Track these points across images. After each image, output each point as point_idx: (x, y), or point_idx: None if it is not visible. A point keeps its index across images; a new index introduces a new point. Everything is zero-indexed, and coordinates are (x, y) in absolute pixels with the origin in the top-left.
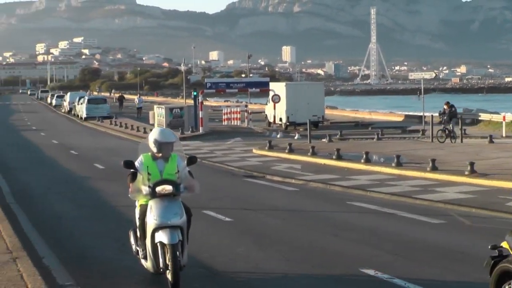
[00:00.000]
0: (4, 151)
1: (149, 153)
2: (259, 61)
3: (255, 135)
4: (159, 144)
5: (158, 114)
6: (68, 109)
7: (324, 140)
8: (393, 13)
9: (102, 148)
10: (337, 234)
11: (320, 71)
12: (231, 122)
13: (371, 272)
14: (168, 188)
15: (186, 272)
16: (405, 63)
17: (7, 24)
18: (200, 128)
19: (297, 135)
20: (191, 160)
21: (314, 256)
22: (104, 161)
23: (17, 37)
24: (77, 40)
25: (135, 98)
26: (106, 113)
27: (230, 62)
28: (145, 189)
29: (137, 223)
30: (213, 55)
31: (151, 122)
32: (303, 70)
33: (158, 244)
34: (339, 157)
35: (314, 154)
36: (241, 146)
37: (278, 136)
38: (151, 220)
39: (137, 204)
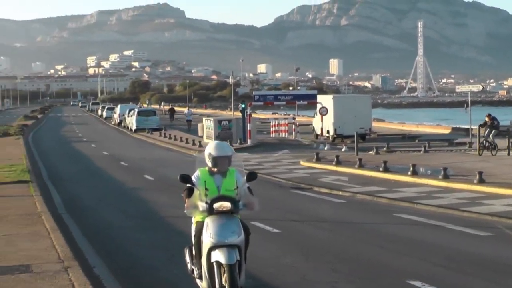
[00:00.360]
0: (56, 163)
1: (206, 168)
2: (307, 73)
3: (303, 147)
4: (214, 158)
5: (207, 126)
6: (118, 121)
7: (371, 152)
8: (440, 26)
9: (152, 159)
10: (384, 246)
11: (367, 84)
12: (279, 134)
13: (418, 284)
14: (226, 205)
15: None
16: (452, 76)
17: (59, 37)
18: (248, 140)
19: (344, 147)
20: (251, 176)
21: (361, 268)
22: (154, 172)
23: (68, 50)
24: (127, 53)
25: (184, 110)
26: (155, 125)
27: (278, 74)
28: (202, 205)
29: (193, 241)
30: (261, 68)
31: (199, 134)
32: (350, 82)
33: (214, 263)
34: (386, 169)
35: (361, 166)
36: (289, 158)
37: (326, 148)
38: (207, 239)
39: (193, 221)
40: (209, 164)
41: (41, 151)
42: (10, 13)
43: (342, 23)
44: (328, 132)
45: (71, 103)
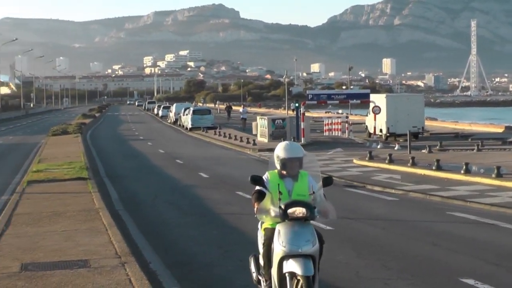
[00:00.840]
0: (113, 160)
1: (276, 170)
2: (360, 73)
3: (356, 146)
4: (283, 160)
5: (261, 125)
6: (174, 119)
7: (424, 151)
8: (493, 25)
9: (207, 157)
10: (437, 243)
11: (420, 83)
12: (332, 133)
13: (471, 281)
14: (302, 210)
15: None
16: (506, 75)
17: (116, 38)
18: (302, 138)
19: (397, 145)
20: (327, 181)
21: (414, 265)
22: (208, 170)
23: (125, 50)
24: (183, 53)
25: (240, 109)
26: (210, 124)
27: (331, 74)
28: (274, 210)
29: (261, 249)
30: (315, 67)
31: (254, 132)
32: (403, 82)
33: (286, 274)
34: (439, 168)
35: (414, 164)
36: (342, 157)
37: (378, 146)
38: (279, 247)
39: (260, 227)
40: (278, 166)
41: (98, 148)
42: (69, 14)
43: (395, 22)
44: (381, 130)
45: (128, 102)
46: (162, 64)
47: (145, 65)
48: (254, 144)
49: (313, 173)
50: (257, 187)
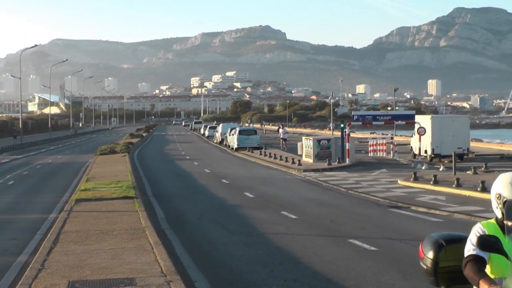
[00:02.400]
0: (159, 179)
1: (493, 220)
2: (405, 94)
3: (400, 167)
4: (509, 204)
5: (306, 145)
6: (220, 139)
7: (469, 172)
8: None
9: (252, 177)
10: None
11: (465, 104)
12: (376, 153)
13: None
14: None
15: None
16: None
17: (164, 59)
18: (347, 159)
19: (442, 167)
20: None
21: None
22: (254, 190)
23: (173, 71)
24: (230, 74)
25: (280, 130)
26: (256, 144)
27: (377, 95)
28: None
29: None
30: (360, 88)
31: (299, 153)
32: (448, 103)
33: None
34: (484, 189)
35: (459, 185)
36: (387, 177)
37: (423, 167)
38: None
39: None
40: (499, 213)
41: (145, 168)
42: (119, 36)
43: (441, 44)
44: (426, 151)
45: (173, 122)
46: (209, 84)
47: (192, 86)
48: (299, 164)
49: None
50: (473, 251)
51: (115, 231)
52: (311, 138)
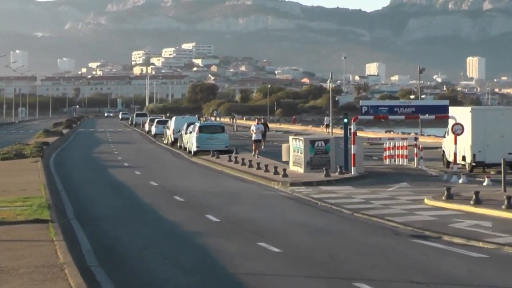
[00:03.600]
0: (86, 195)
1: None
2: (435, 77)
3: (428, 180)
4: None
5: (295, 149)
6: (173, 139)
7: None
8: None
9: (218, 193)
10: None
11: None
12: (394, 160)
13: None
14: None
15: None
16: None
17: (94, 25)
18: (352, 168)
19: (486, 180)
20: None
21: None
22: (220, 211)
23: (107, 42)
24: (187, 46)
25: (252, 125)
26: (223, 146)
27: (394, 78)
28: None
29: None
30: (371, 69)
31: (284, 159)
32: (496, 90)
33: None
34: None
35: (510, 207)
36: (408, 194)
37: (460, 181)
38: None
39: None
40: None
41: (66, 179)
42: None
43: (485, 7)
44: (464, 158)
45: (105, 114)
46: (157, 61)
47: (134, 63)
48: (285, 175)
49: None
50: None
51: (20, 269)
52: (302, 139)
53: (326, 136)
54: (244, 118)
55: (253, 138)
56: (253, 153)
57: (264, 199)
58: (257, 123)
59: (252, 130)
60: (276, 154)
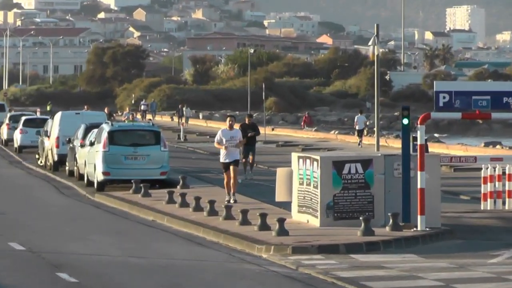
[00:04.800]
0: None
1: None
2: None
3: None
4: None
5: (303, 178)
6: (56, 157)
7: None
8: None
9: (146, 269)
10: None
11: None
12: (503, 203)
13: None
14: None
15: None
16: None
17: None
18: (418, 218)
19: None
20: None
21: None
22: None
23: None
24: None
25: (219, 131)
26: (158, 172)
27: (504, 36)
28: None
29: None
30: (458, 18)
31: (280, 198)
32: None
33: None
34: None
35: None
36: None
37: None
38: None
39: None
40: None
41: None
42: None
43: None
44: None
45: None
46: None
47: None
48: (282, 231)
49: None
50: None
51: None
52: (318, 159)
53: (365, 153)
54: (201, 116)
55: (221, 160)
56: (226, 196)
57: (240, 283)
58: (230, 126)
59: (219, 143)
60: (264, 189)
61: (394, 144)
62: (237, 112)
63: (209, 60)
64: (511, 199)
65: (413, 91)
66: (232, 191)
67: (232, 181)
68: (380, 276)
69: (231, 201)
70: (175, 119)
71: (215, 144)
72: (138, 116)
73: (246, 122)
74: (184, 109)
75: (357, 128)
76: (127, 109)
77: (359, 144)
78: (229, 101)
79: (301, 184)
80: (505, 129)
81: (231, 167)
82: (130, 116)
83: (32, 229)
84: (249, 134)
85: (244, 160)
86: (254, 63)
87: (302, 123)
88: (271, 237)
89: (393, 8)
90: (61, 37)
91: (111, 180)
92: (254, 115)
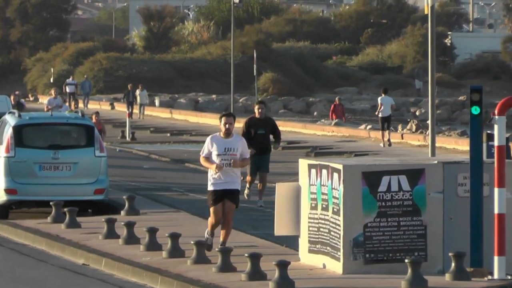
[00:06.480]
0: None
1: None
2: None
3: None
4: None
5: (316, 198)
6: None
7: None
8: None
9: None
10: None
11: None
12: None
13: None
14: None
15: None
16: None
17: None
18: (495, 260)
19: None
20: None
21: None
22: None
23: None
24: None
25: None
26: (91, 190)
27: None
28: None
29: None
30: None
31: (279, 231)
32: None
33: None
34: None
35: None
36: None
37: None
38: None
39: None
40: None
41: None
42: None
43: None
44: None
45: None
46: None
47: None
48: (284, 281)
49: None
50: None
51: None
52: (341, 168)
53: (413, 159)
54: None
55: (209, 187)
56: (206, 233)
57: None
58: (226, 132)
59: (206, 159)
60: (256, 215)
61: (459, 146)
62: (214, 96)
63: (170, 14)
64: None
65: (488, 63)
66: (221, 238)
67: (224, 227)
68: None
69: (212, 241)
70: (121, 107)
71: (201, 161)
72: (75, 108)
73: (256, 115)
74: (137, 92)
75: (380, 115)
76: (53, 92)
77: (389, 143)
78: (202, 78)
79: (313, 209)
80: None
81: (226, 203)
82: (72, 105)
83: None
84: (261, 139)
85: (249, 178)
86: (240, 18)
87: (330, 114)
88: None
89: None
90: None
91: (19, 201)
92: (240, 100)
